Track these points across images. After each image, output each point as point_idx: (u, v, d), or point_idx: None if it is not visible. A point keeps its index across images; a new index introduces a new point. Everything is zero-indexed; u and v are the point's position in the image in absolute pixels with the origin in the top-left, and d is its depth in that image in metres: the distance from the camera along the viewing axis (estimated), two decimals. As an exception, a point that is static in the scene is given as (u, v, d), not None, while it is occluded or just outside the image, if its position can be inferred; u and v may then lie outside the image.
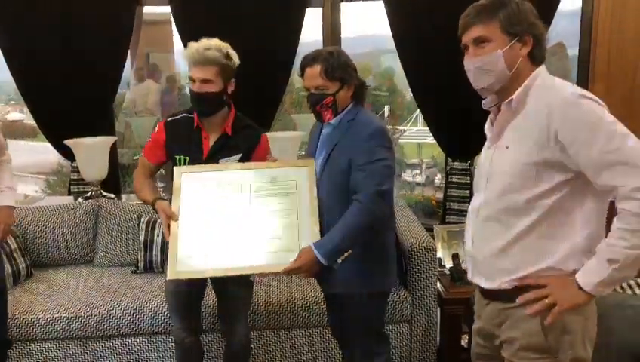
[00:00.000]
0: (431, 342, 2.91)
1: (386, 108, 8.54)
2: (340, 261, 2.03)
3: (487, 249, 1.56)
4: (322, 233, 2.06)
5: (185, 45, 3.74)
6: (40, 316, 2.76)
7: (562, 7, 3.39)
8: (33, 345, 2.79)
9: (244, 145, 2.29)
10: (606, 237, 1.41)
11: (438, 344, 2.95)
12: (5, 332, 2.67)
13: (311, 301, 2.86)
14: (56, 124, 3.79)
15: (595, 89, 3.39)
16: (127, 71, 4.82)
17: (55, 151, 3.95)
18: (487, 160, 1.60)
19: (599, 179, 1.37)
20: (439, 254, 3.11)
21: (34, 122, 3.99)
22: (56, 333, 2.76)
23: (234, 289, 2.36)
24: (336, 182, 2.08)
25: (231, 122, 2.29)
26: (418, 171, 6.58)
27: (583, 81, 3.54)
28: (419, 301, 2.87)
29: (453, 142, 3.73)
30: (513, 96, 1.49)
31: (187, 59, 2.19)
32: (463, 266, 2.66)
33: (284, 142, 3.42)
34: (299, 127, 5.27)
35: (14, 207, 2.61)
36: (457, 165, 3.71)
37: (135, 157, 4.29)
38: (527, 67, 1.49)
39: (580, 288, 1.40)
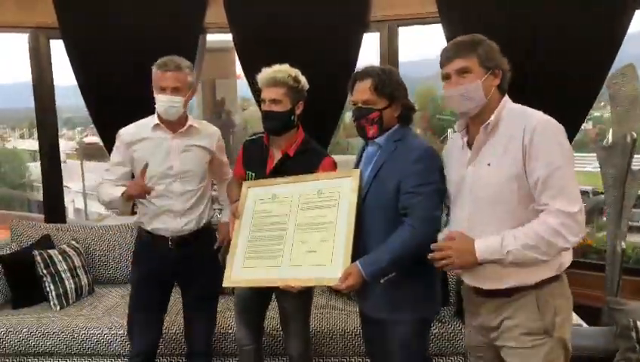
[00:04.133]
0: (488, 378, 2.76)
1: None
2: (382, 281, 1.97)
3: None
4: (359, 249, 2.01)
5: (246, 71, 3.86)
6: (97, 332, 2.85)
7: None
8: (88, 359, 2.88)
9: (303, 167, 2.29)
10: None
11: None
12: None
13: (355, 329, 2.79)
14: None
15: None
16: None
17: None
18: (467, 176, 1.82)
19: (540, 198, 1.65)
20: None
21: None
22: (110, 350, 2.85)
23: (286, 300, 2.38)
24: (382, 202, 2.02)
25: (296, 144, 2.34)
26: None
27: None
28: (474, 333, 2.73)
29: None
30: (489, 121, 1.75)
31: (260, 83, 2.32)
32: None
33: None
34: (351, 150, 5.22)
35: None
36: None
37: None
38: (496, 96, 1.79)
39: (474, 254, 1.70)
